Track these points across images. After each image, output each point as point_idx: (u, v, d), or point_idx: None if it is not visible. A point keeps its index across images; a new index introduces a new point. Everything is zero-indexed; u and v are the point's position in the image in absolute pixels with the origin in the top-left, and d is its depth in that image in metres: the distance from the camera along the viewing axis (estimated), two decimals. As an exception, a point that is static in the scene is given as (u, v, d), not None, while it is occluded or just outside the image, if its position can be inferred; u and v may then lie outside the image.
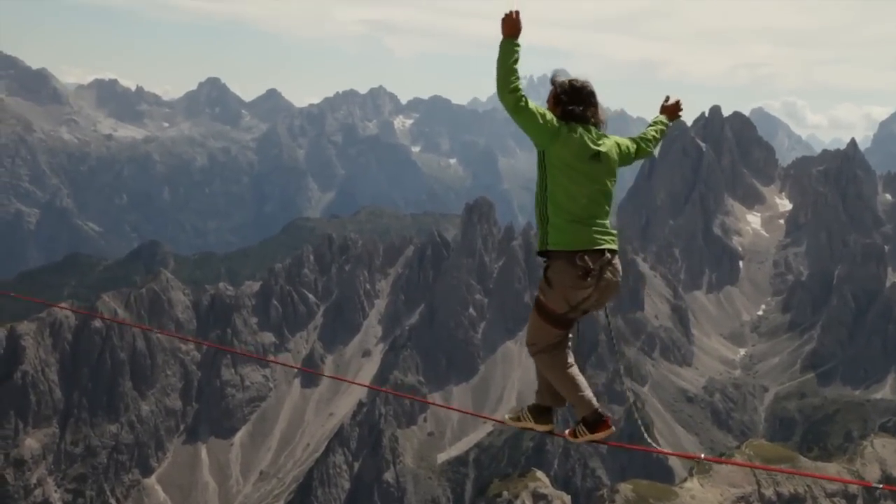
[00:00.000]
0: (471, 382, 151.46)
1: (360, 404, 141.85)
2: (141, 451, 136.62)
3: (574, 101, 8.89)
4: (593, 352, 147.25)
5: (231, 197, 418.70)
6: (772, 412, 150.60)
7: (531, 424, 9.78)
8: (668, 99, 10.29)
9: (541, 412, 9.77)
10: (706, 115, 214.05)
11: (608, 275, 8.83)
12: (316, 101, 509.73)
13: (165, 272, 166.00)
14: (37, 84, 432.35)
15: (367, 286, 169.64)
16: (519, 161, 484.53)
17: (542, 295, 8.95)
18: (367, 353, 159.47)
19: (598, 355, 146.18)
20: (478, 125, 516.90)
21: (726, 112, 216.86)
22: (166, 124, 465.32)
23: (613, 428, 9.21)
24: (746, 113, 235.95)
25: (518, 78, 8.65)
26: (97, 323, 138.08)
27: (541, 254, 8.96)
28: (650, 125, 10.17)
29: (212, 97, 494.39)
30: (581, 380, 9.38)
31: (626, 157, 9.45)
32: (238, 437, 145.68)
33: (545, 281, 8.87)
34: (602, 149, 8.83)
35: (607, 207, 8.93)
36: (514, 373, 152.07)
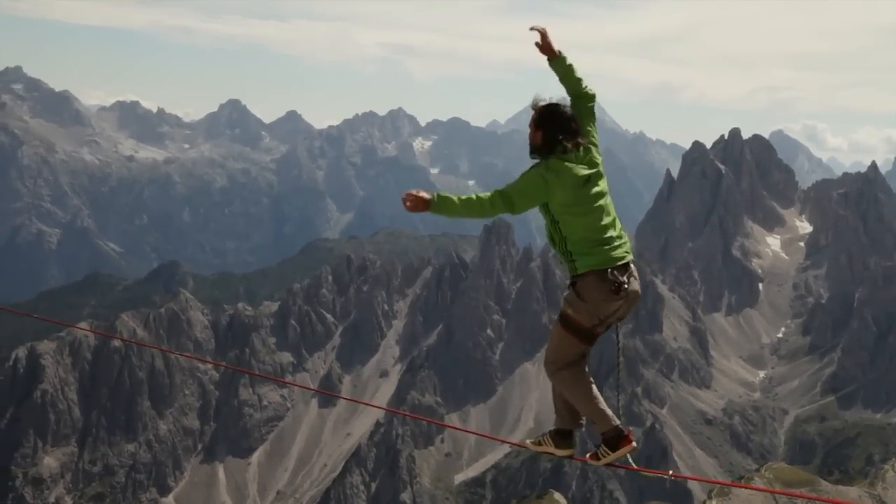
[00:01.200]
0: (488, 403, 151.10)
1: (378, 424, 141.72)
2: (159, 470, 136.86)
3: (554, 126, 8.96)
4: (611, 373, 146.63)
5: (250, 218, 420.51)
6: (792, 435, 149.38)
7: (552, 449, 9.86)
8: (538, 37, 9.36)
9: (562, 436, 9.85)
10: (726, 137, 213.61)
11: (634, 285, 9.04)
12: (335, 122, 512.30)
13: (184, 292, 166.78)
14: (59, 106, 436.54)
15: (385, 307, 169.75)
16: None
17: (571, 309, 9.07)
18: (384, 374, 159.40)
19: (615, 376, 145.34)
20: (496, 147, 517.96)
21: (746, 135, 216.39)
22: (187, 146, 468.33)
23: (635, 444, 9.33)
24: (766, 136, 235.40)
25: (474, 195, 8.65)
26: (116, 342, 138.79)
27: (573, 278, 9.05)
28: (562, 79, 9.57)
29: (232, 119, 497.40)
30: (599, 397, 9.45)
31: (590, 123, 9.33)
32: (255, 456, 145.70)
33: (575, 294, 9.00)
34: (589, 170, 8.95)
35: (614, 215, 9.08)
36: (532, 394, 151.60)
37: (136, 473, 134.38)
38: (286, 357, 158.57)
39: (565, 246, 9.02)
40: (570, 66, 9.46)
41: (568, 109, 9.13)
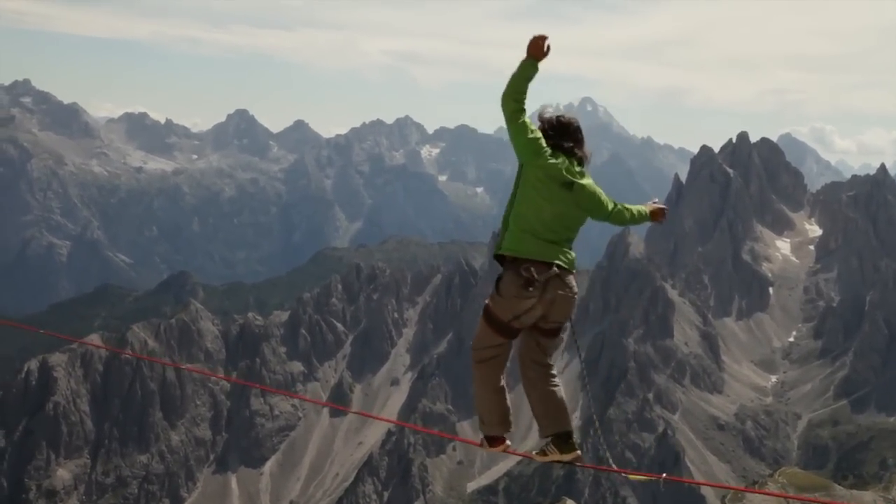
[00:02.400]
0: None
1: (389, 433, 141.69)
2: (171, 481, 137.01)
3: (561, 136, 9.23)
4: (622, 379, 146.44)
5: (259, 227, 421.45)
6: (805, 440, 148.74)
7: (558, 456, 10.02)
8: (657, 201, 10.29)
9: (563, 440, 10.01)
10: (733, 141, 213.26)
11: (557, 290, 9.10)
12: (343, 131, 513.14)
13: (195, 302, 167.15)
14: (68, 118, 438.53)
15: (395, 315, 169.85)
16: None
17: (491, 301, 9.26)
18: (395, 382, 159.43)
19: (627, 382, 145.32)
20: (504, 153, 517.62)
21: (754, 138, 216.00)
22: (195, 156, 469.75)
23: (506, 444, 10.04)
24: (774, 139, 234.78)
25: (525, 95, 8.94)
26: (128, 352, 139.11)
27: (496, 259, 9.31)
28: (636, 206, 10.14)
29: (240, 129, 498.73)
30: (503, 402, 9.81)
31: (598, 206, 9.46)
32: (268, 466, 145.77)
33: (496, 288, 9.18)
34: (577, 181, 9.13)
35: (570, 234, 9.28)
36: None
37: (148, 485, 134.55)
38: (297, 366, 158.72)
39: (508, 215, 9.28)
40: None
41: (574, 122, 9.38)
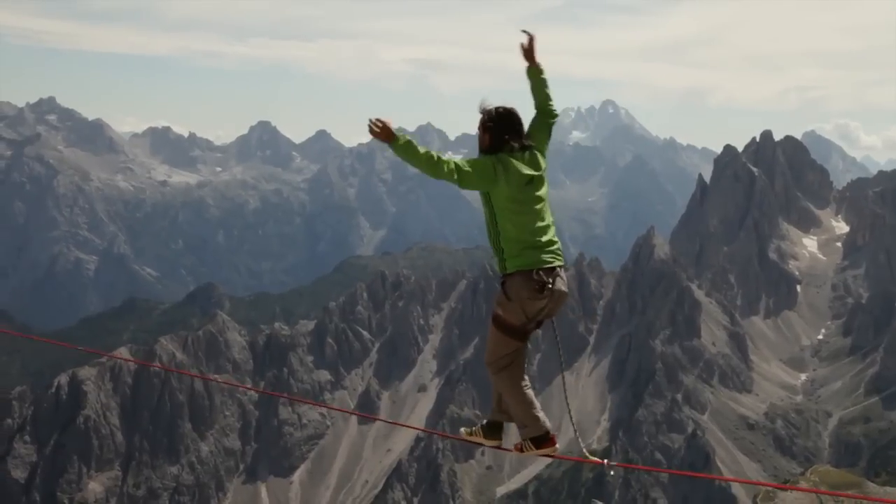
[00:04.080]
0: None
1: (418, 439, 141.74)
2: (202, 492, 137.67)
3: (501, 127, 9.63)
4: (650, 381, 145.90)
5: (284, 238, 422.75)
6: (836, 437, 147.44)
7: (480, 439, 10.64)
8: (523, 45, 9.88)
9: (492, 428, 10.56)
10: (757, 140, 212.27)
11: (559, 286, 9.58)
12: (365, 140, 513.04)
13: (221, 314, 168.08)
14: (93, 134, 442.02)
15: (421, 321, 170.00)
16: (567, 192, 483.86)
17: (501, 309, 9.63)
18: (422, 389, 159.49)
19: (655, 384, 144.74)
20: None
21: (777, 136, 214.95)
22: (219, 169, 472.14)
23: (558, 445, 9.93)
24: (798, 136, 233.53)
25: (431, 152, 9.19)
26: (156, 365, 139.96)
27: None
28: (533, 90, 10.18)
29: (263, 140, 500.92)
30: (535, 401, 9.97)
31: (544, 139, 9.97)
32: (297, 475, 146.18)
33: (504, 295, 9.54)
34: (534, 171, 9.58)
35: (550, 221, 9.69)
36: (571, 403, 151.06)
37: (179, 496, 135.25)
38: (324, 375, 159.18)
39: (499, 242, 9.61)
40: (544, 79, 10.11)
41: (515, 113, 9.73)
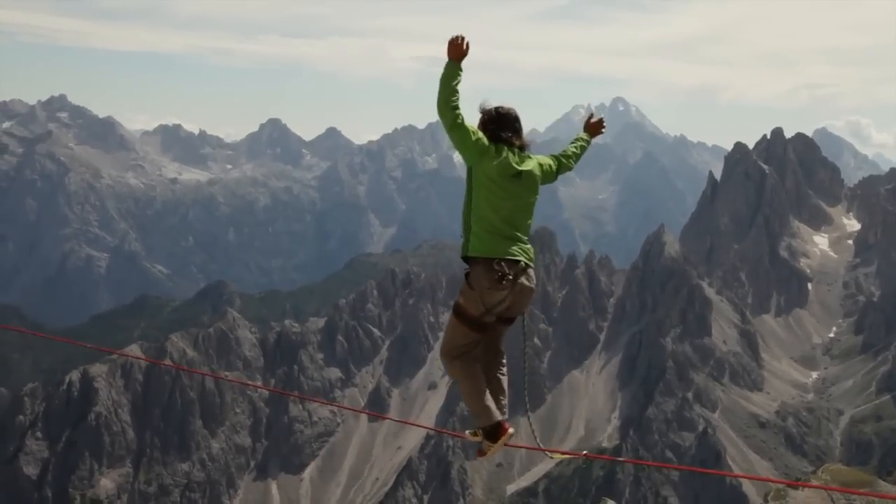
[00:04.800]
0: (538, 413, 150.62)
1: (428, 437, 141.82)
2: (213, 488, 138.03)
3: (500, 126, 9.88)
4: (661, 379, 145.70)
5: (294, 235, 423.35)
6: (848, 436, 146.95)
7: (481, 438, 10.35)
8: (591, 116, 11.12)
9: (495, 430, 10.25)
10: (768, 137, 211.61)
11: (523, 281, 9.78)
12: (375, 137, 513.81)
13: (232, 311, 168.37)
14: (104, 132, 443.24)
15: (431, 319, 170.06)
16: (579, 190, 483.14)
17: (462, 297, 9.89)
18: (433, 386, 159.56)
19: (665, 382, 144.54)
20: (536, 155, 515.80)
21: (789, 134, 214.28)
22: (229, 166, 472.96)
23: (512, 430, 9.96)
24: (810, 134, 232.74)
25: (458, 98, 9.54)
26: (167, 363, 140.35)
27: (464, 259, 9.93)
28: (572, 142, 11.07)
29: (273, 138, 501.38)
30: (487, 393, 10.10)
31: (548, 175, 10.40)
32: (307, 472, 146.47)
33: (467, 284, 9.79)
34: (524, 168, 9.83)
35: (528, 222, 9.99)
36: (582, 402, 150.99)
37: (190, 492, 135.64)
38: (334, 373, 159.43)
39: (469, 218, 9.89)
40: (586, 148, 10.99)
41: (514, 113, 10.04)
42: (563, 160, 10.75)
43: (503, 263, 9.59)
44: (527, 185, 9.86)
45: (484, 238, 9.70)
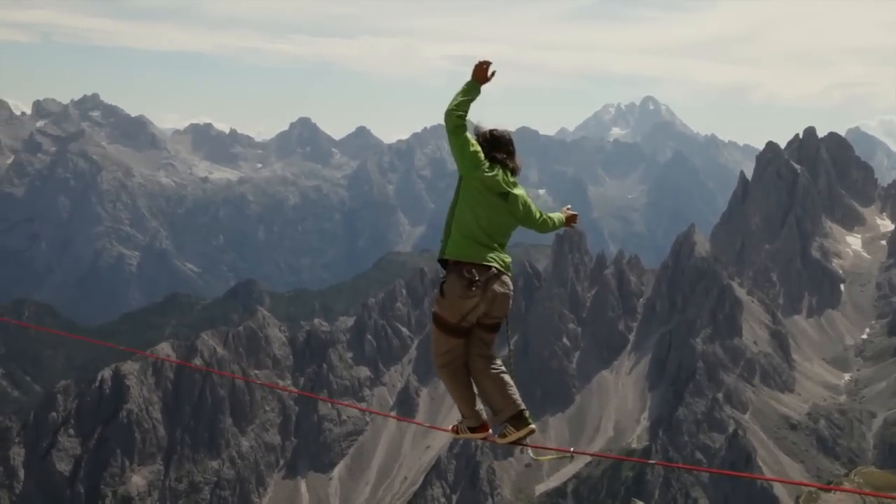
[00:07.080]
0: (566, 413, 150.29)
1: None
2: (242, 486, 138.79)
3: (494, 148, 10.29)
4: (691, 380, 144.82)
5: (323, 234, 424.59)
6: (881, 438, 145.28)
7: (517, 434, 10.52)
8: (569, 207, 11.83)
9: (518, 420, 10.49)
10: (800, 137, 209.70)
11: (496, 287, 10.11)
12: (404, 136, 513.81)
13: (262, 310, 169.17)
14: (136, 131, 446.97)
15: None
16: (608, 189, 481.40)
17: (438, 306, 10.20)
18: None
19: (695, 383, 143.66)
20: (566, 155, 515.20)
21: (821, 133, 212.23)
22: (259, 165, 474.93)
23: (490, 431, 10.65)
24: (842, 133, 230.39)
25: (467, 113, 9.91)
26: (197, 361, 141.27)
27: (441, 264, 10.23)
28: (555, 214, 11.51)
29: (303, 137, 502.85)
30: (475, 397, 10.58)
31: (528, 215, 10.65)
32: (336, 471, 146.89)
33: (440, 293, 10.10)
34: (513, 192, 10.23)
35: (504, 239, 10.37)
36: (611, 402, 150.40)
37: (220, 490, 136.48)
38: (363, 371, 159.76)
39: (451, 222, 10.24)
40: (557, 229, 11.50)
41: (507, 135, 10.49)
42: (546, 216, 11.08)
43: (473, 269, 9.91)
44: (511, 208, 10.26)
45: (460, 242, 10.08)
